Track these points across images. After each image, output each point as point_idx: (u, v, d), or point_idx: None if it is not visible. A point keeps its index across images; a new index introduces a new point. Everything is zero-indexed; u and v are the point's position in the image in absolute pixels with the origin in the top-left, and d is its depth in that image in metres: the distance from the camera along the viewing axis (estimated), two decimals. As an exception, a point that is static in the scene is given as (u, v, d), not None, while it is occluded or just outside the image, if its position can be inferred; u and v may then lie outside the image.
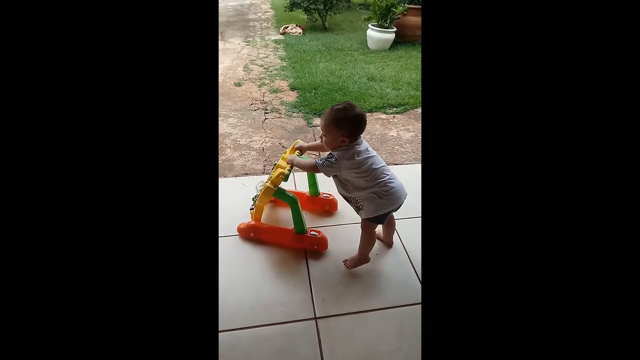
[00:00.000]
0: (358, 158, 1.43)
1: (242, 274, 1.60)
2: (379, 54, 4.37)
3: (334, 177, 1.52)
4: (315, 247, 1.71)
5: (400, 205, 1.52)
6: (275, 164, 1.76)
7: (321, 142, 1.52)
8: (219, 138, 2.63)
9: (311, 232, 1.71)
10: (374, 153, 1.48)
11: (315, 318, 1.42)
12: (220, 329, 1.37)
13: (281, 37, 5.07)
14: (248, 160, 2.38)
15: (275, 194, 1.63)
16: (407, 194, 1.52)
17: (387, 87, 3.48)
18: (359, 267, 1.62)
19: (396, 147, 2.58)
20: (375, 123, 2.89)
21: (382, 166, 1.47)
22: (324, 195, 1.94)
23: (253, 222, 1.77)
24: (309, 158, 1.73)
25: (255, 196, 1.76)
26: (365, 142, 1.48)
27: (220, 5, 6.77)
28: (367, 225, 1.55)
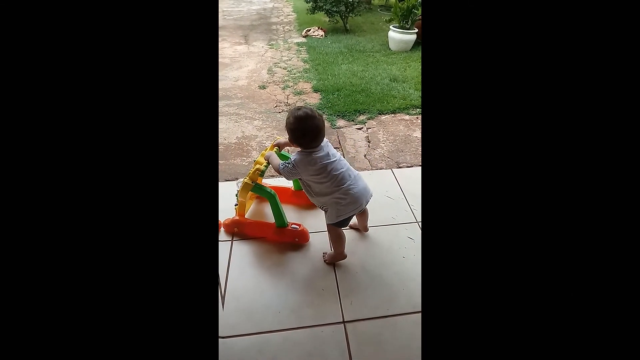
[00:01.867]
0: (316, 165, 1.46)
1: (271, 277, 1.60)
2: (400, 55, 4.33)
3: (300, 180, 1.57)
4: (297, 239, 1.74)
5: (362, 208, 1.57)
6: (255, 160, 1.80)
7: None
8: (245, 140, 2.66)
9: (292, 226, 1.75)
10: (337, 157, 1.50)
11: (344, 322, 1.41)
12: (248, 332, 1.38)
13: (303, 39, 5.09)
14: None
15: (254, 190, 1.68)
16: (372, 195, 1.58)
17: (409, 88, 3.44)
18: (387, 270, 1.62)
19: (420, 148, 2.54)
20: (398, 124, 2.86)
21: (342, 171, 1.49)
22: None
23: (237, 218, 1.81)
24: (288, 155, 1.78)
25: (237, 192, 1.80)
26: (329, 146, 1.51)
27: (244, 9, 6.86)
28: (331, 228, 1.59)
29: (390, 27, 4.46)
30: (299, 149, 1.51)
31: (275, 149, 1.78)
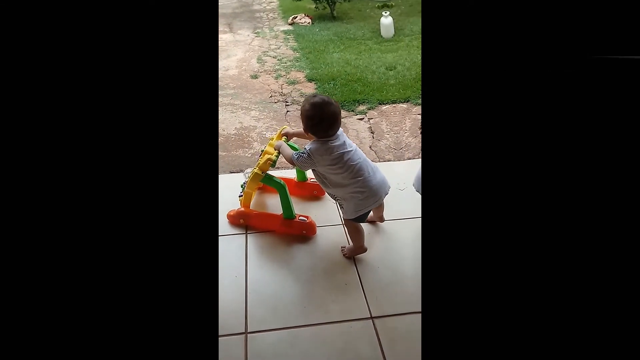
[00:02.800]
0: (333, 154, 1.41)
1: (290, 271, 1.57)
2: (393, 43, 4.29)
3: (313, 171, 1.53)
4: (304, 232, 1.70)
5: (381, 201, 1.53)
6: (262, 150, 1.75)
7: None
8: (245, 131, 2.57)
9: (300, 218, 1.70)
10: (353, 147, 1.46)
11: (372, 317, 1.39)
12: (276, 326, 1.34)
13: (290, 27, 4.97)
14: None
15: (264, 180, 1.63)
16: (390, 187, 1.54)
17: (406, 77, 3.41)
18: (408, 265, 1.60)
19: (425, 138, 2.53)
20: (400, 115, 2.83)
21: (359, 162, 1.44)
22: (312, 180, 1.91)
23: (242, 209, 1.76)
24: (295, 146, 1.74)
25: (244, 183, 1.75)
26: (344, 135, 1.47)
27: (225, -5, 6.63)
28: (349, 223, 1.55)
29: (383, 13, 4.40)
30: (310, 139, 1.47)
31: (283, 139, 1.73)
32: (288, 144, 1.70)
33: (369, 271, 1.57)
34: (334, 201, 1.62)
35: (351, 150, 1.44)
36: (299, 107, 2.88)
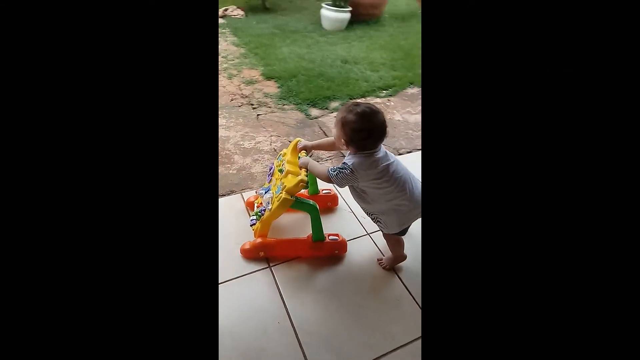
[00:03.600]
0: (377, 168, 1.28)
1: (336, 300, 1.41)
2: (337, 35, 4.22)
3: (350, 187, 1.40)
4: (336, 251, 1.57)
5: None
6: (273, 169, 1.58)
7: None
8: (219, 144, 2.29)
9: (330, 237, 1.56)
10: (394, 158, 1.35)
11: (438, 331, 1.31)
12: (346, 369, 1.19)
13: (222, 20, 4.61)
14: (266, 165, 2.11)
15: (294, 205, 1.44)
16: None
17: (365, 70, 3.37)
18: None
19: (409, 131, 2.51)
20: (374, 108, 2.78)
21: (403, 174, 1.34)
22: (324, 191, 1.81)
23: (259, 240, 1.54)
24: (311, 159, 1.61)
25: (262, 210, 1.55)
26: (383, 146, 1.35)
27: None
28: (391, 237, 1.47)
29: (323, 5, 4.28)
30: (334, 150, 1.32)
31: (302, 153, 1.54)
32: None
33: (413, 280, 1.49)
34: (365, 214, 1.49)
35: (393, 162, 1.32)
36: (270, 110, 2.69)
